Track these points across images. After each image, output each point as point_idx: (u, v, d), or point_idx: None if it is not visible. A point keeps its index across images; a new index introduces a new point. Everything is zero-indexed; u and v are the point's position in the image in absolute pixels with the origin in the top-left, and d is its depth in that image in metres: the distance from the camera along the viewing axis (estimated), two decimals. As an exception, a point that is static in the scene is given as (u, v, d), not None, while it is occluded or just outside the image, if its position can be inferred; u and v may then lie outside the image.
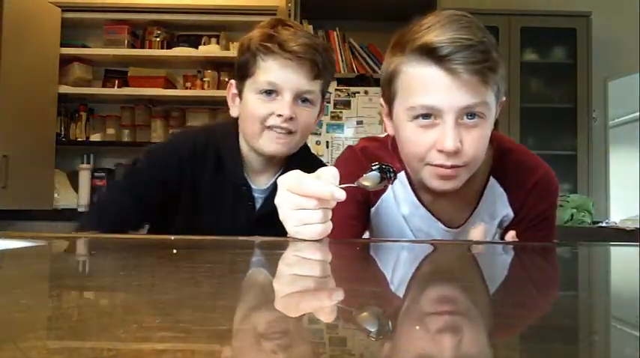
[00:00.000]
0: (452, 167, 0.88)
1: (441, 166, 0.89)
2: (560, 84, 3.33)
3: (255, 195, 1.18)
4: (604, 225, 2.85)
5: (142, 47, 3.36)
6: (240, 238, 0.92)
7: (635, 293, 0.47)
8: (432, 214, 1.03)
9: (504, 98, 0.97)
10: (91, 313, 0.35)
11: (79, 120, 3.36)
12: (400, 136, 0.94)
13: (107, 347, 0.26)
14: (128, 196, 1.15)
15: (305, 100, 1.12)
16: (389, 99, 0.95)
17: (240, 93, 1.15)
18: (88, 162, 3.30)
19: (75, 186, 3.29)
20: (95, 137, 3.35)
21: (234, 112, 1.18)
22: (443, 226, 1.04)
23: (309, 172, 0.98)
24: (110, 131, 3.37)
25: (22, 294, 0.38)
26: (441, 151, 0.87)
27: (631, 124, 3.43)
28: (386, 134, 1.08)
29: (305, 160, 1.16)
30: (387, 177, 0.81)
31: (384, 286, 0.50)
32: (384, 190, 1.03)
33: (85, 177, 3.24)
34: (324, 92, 1.17)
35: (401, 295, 0.45)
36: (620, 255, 0.83)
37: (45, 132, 3.10)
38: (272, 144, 1.11)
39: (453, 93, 0.85)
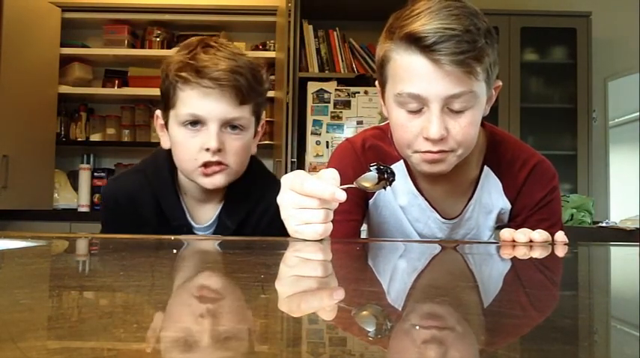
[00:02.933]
0: (439, 152, 0.90)
1: (429, 152, 0.90)
2: (560, 84, 3.33)
3: (198, 233, 1.10)
4: (604, 225, 2.85)
5: (142, 47, 3.36)
6: (241, 238, 0.93)
7: (635, 293, 0.47)
8: (430, 204, 1.04)
9: (500, 82, 0.97)
10: (91, 313, 0.35)
11: (79, 120, 3.36)
12: (391, 121, 0.96)
13: (107, 347, 0.26)
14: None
15: (234, 127, 1.02)
16: (381, 83, 0.97)
17: (166, 125, 1.07)
18: (88, 162, 3.30)
19: (75, 186, 3.29)
20: (95, 137, 3.35)
21: (165, 144, 1.09)
22: (439, 217, 1.04)
23: (254, 197, 1.04)
24: (110, 131, 3.37)
25: (22, 294, 0.38)
26: (427, 139, 0.89)
27: (631, 124, 3.42)
28: (387, 121, 1.09)
29: (249, 186, 1.09)
30: (385, 178, 0.81)
31: (385, 286, 0.50)
32: None
33: (85, 177, 3.24)
34: (257, 113, 1.08)
35: (401, 297, 0.45)
36: (620, 255, 0.83)
37: (45, 132, 3.10)
38: (207, 179, 1.02)
39: (438, 83, 0.86)
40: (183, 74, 0.99)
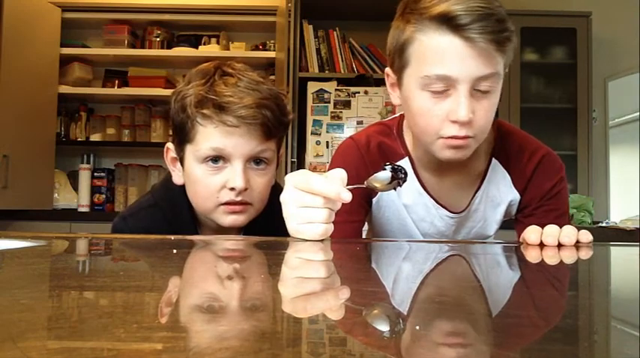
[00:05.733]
0: (464, 138, 0.88)
1: (454, 137, 0.88)
2: (560, 84, 3.33)
3: None
4: (604, 225, 2.85)
5: (142, 47, 3.36)
6: (242, 238, 0.92)
7: (635, 293, 0.47)
8: (436, 201, 1.03)
9: (507, 70, 0.96)
10: (91, 313, 0.35)
11: (79, 120, 3.36)
12: (411, 107, 0.92)
13: (107, 347, 0.26)
14: None
15: (259, 162, 0.95)
16: (399, 68, 0.93)
17: (181, 160, 0.99)
18: (88, 162, 3.30)
19: (75, 186, 3.29)
20: (95, 137, 3.35)
21: (177, 180, 1.01)
22: (447, 213, 1.04)
23: (274, 228, 0.92)
24: (110, 131, 3.37)
25: (22, 294, 0.38)
26: (454, 122, 0.87)
27: (631, 124, 3.42)
28: (392, 117, 1.08)
29: (269, 217, 0.99)
30: (398, 177, 0.80)
31: (387, 288, 0.50)
32: None
33: (85, 177, 3.24)
34: (280, 144, 1.01)
35: (405, 296, 0.45)
36: (620, 255, 0.83)
37: (45, 132, 3.10)
38: (228, 217, 0.95)
39: (469, 63, 0.85)
40: (204, 111, 0.91)
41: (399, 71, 0.93)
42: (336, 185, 0.75)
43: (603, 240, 0.93)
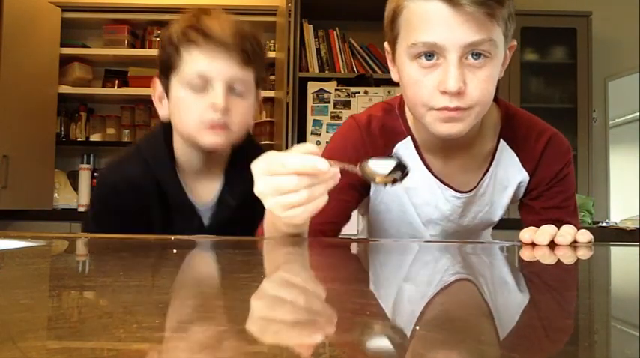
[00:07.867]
0: (456, 109, 0.84)
1: (445, 109, 0.84)
2: (560, 84, 3.33)
3: (200, 213, 1.09)
4: (604, 225, 2.85)
5: (142, 47, 3.36)
6: (241, 238, 0.92)
7: (635, 293, 0.47)
8: (441, 182, 1.01)
9: (515, 42, 0.92)
10: (91, 313, 0.35)
11: (79, 120, 3.36)
12: (402, 79, 0.90)
13: (107, 347, 0.26)
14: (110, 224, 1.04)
15: (238, 93, 1.04)
16: (392, 40, 0.91)
17: (167, 92, 1.06)
18: (88, 162, 3.30)
19: (75, 186, 3.29)
20: (95, 137, 3.35)
21: (163, 114, 1.08)
22: (453, 192, 1.01)
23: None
24: (110, 131, 3.37)
25: (22, 294, 0.38)
26: (444, 93, 0.83)
27: (631, 124, 3.42)
28: (395, 96, 1.06)
29: (248, 160, 0.92)
30: (401, 169, 0.73)
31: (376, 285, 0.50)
32: None
33: (85, 177, 3.24)
34: (257, 81, 1.09)
35: (401, 296, 0.45)
36: (620, 255, 0.83)
37: (45, 132, 3.10)
38: (209, 137, 1.01)
39: (457, 29, 0.81)
40: (190, 37, 1.02)
41: (392, 44, 0.91)
42: (310, 157, 0.68)
43: (603, 240, 0.93)
